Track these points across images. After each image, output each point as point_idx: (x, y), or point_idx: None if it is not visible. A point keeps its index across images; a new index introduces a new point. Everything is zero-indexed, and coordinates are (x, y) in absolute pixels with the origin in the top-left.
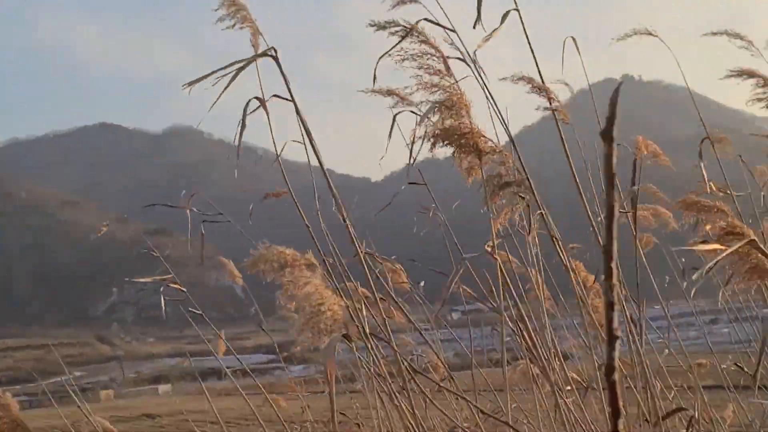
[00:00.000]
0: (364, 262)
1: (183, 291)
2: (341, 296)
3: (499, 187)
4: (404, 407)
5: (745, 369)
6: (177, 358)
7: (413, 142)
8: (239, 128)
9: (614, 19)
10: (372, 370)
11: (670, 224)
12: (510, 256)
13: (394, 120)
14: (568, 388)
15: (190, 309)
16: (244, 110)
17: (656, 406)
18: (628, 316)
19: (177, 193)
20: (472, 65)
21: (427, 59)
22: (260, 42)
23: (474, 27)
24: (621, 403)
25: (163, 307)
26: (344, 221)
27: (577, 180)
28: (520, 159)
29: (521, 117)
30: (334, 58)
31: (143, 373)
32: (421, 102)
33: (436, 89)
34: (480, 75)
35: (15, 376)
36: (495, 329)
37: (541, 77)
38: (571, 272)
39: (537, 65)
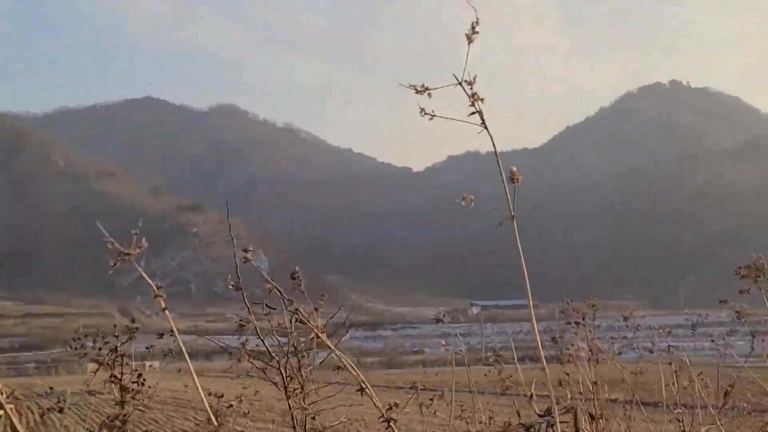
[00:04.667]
0: None
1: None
2: None
3: None
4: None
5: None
6: (192, 335)
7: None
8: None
9: (671, 22)
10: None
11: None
12: None
13: None
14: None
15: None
16: None
17: None
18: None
19: (216, 171)
20: None
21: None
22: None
23: None
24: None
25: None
26: None
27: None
28: None
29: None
30: (382, 39)
31: (155, 347)
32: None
33: None
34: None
35: (28, 343)
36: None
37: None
38: None
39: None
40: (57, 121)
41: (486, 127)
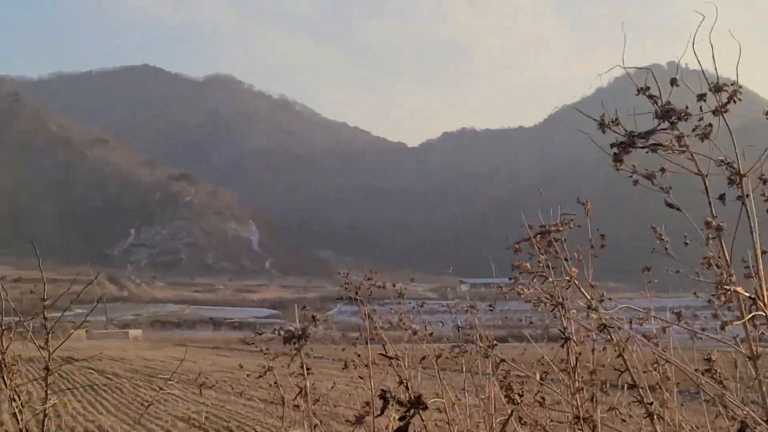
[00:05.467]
0: None
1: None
2: None
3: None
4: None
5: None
6: (180, 304)
7: None
8: None
9: (668, 4)
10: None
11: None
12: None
13: None
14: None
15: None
16: None
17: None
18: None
19: (211, 141)
20: None
21: None
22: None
23: None
24: None
25: None
26: None
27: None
28: None
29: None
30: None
31: (142, 316)
32: None
33: None
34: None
35: (16, 307)
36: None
37: None
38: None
39: None
40: (52, 85)
41: None
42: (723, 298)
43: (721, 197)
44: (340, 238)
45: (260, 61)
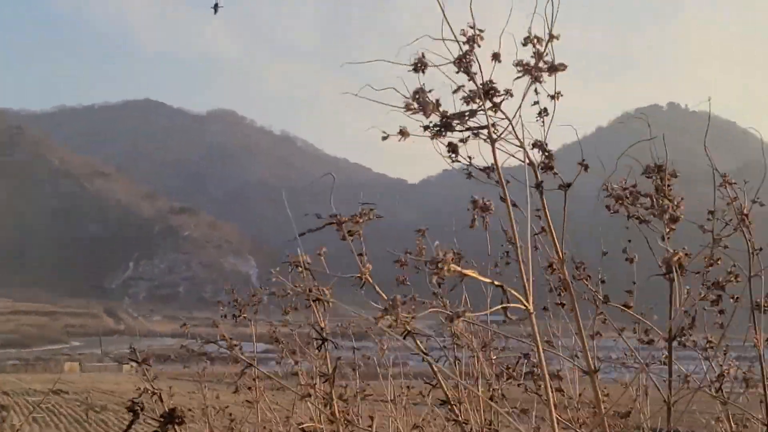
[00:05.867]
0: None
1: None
2: None
3: None
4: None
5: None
6: (178, 338)
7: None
8: None
9: (669, 46)
10: None
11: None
12: None
13: None
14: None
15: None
16: None
17: None
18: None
19: (213, 175)
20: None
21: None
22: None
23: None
24: None
25: None
26: None
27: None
28: None
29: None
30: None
31: (139, 349)
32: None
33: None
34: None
35: (13, 339)
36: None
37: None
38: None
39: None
40: (55, 118)
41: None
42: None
43: (538, 185)
44: (339, 273)
45: (262, 95)
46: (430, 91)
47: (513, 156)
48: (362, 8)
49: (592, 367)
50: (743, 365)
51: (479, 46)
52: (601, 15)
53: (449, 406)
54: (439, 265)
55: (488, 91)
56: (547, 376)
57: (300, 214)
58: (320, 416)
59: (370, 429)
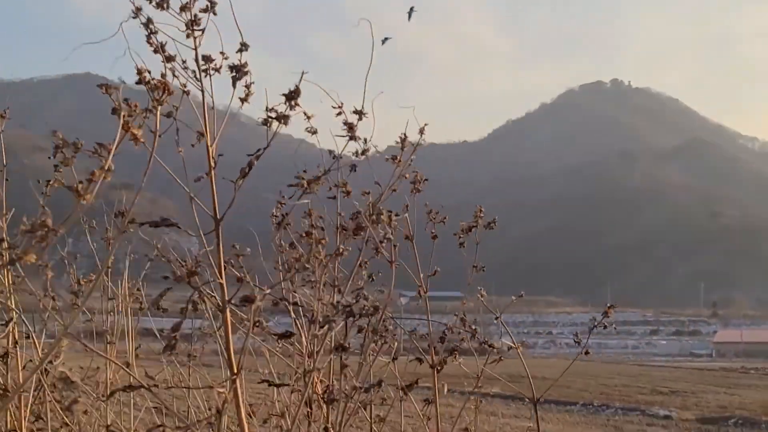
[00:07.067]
0: None
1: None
2: None
3: None
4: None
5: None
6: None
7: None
8: None
9: (613, 24)
10: None
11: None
12: None
13: None
14: None
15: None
16: None
17: None
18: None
19: (155, 151)
20: None
21: None
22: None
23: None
24: None
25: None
26: None
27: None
28: None
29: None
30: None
31: (75, 326)
32: None
33: None
34: None
35: None
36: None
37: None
38: None
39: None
40: None
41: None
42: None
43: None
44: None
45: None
46: None
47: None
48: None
49: None
50: None
51: None
52: None
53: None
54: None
55: None
56: None
57: (243, 190)
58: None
59: None
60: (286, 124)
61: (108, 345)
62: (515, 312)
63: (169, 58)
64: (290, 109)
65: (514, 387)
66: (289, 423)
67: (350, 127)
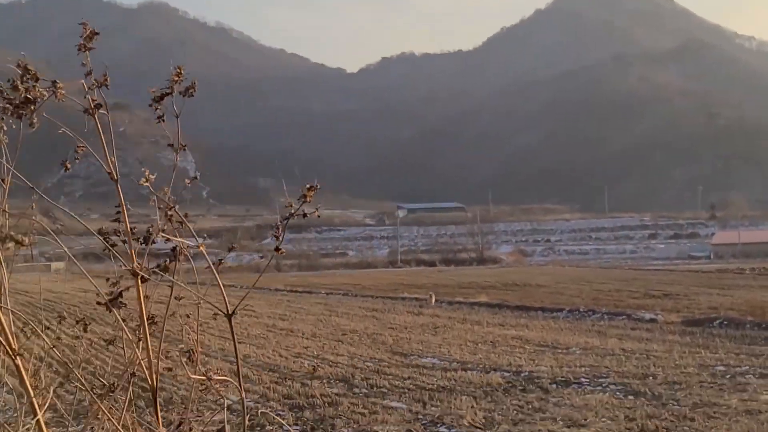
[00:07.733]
0: None
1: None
2: None
3: None
4: None
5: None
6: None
7: None
8: None
9: None
10: None
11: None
12: None
13: None
14: None
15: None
16: None
17: None
18: None
19: (146, 70)
20: None
21: None
22: None
23: None
24: None
25: None
26: None
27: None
28: None
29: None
30: None
31: (74, 249)
32: None
33: None
34: None
35: None
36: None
37: None
38: None
39: None
40: None
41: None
42: None
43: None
44: (279, 166)
45: None
46: None
47: None
48: None
49: None
50: None
51: None
52: None
53: None
54: None
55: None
56: None
57: (237, 107)
58: None
59: None
60: None
61: None
62: (514, 220)
63: None
64: None
65: (499, 296)
66: None
67: None
